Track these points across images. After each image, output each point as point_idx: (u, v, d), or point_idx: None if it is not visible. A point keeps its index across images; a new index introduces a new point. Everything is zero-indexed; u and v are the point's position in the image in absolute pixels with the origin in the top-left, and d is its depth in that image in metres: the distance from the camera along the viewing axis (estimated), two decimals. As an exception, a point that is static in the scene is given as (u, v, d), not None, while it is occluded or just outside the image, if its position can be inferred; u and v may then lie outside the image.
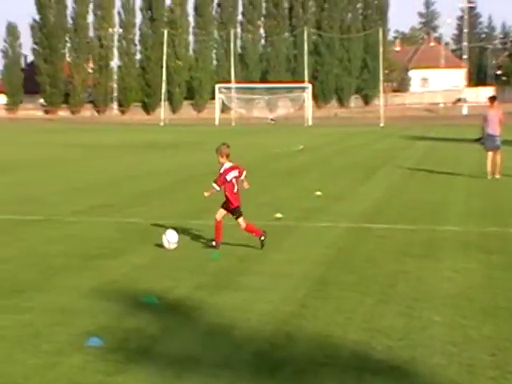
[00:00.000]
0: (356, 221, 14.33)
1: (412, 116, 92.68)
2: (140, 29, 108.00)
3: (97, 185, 21.04)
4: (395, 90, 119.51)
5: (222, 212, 11.77)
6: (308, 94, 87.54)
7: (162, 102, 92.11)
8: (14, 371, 6.19)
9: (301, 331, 7.42)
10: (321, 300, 8.55)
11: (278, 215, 14.70)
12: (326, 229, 13.52)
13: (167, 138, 51.78)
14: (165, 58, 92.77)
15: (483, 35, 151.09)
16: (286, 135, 56.04)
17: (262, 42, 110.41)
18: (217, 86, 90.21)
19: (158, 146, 40.28)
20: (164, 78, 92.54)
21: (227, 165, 11.78)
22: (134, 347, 6.89)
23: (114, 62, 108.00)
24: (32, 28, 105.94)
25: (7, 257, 10.83)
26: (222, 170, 11.76)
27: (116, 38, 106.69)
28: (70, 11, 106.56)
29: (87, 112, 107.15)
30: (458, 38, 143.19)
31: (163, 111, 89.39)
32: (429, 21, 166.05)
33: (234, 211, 11.72)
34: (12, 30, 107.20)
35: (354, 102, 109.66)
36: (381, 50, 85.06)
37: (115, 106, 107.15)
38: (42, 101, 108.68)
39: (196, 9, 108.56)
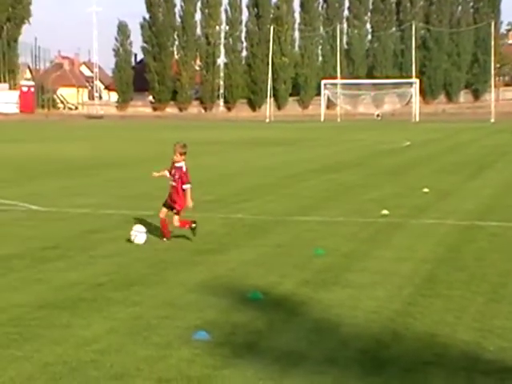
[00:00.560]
0: (465, 218, 14.01)
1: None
2: (246, 26, 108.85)
3: (204, 180, 21.34)
4: (507, 85, 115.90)
5: (164, 211, 11.97)
6: (415, 90, 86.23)
7: (268, 99, 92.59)
8: (126, 362, 6.36)
9: (408, 329, 7.32)
10: (428, 298, 8.41)
11: (385, 212, 14.54)
12: (434, 226, 13.27)
13: (272, 134, 52.04)
14: (271, 54, 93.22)
15: None
16: (392, 131, 55.36)
17: (369, 37, 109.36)
18: (322, 82, 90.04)
19: (263, 143, 40.54)
20: (270, 74, 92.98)
21: (181, 164, 11.79)
22: (241, 342, 6.95)
23: (221, 59, 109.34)
24: (142, 27, 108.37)
25: (120, 251, 11.13)
26: (184, 169, 11.85)
27: (223, 35, 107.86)
28: (178, 9, 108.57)
29: (194, 109, 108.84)
30: None
31: (269, 108, 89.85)
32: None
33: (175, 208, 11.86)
34: (123, 29, 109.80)
35: (464, 97, 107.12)
36: (492, 43, 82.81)
37: (221, 102, 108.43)
38: (150, 98, 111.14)
39: (302, 5, 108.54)
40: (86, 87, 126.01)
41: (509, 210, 14.99)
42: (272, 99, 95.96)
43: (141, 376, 6.06)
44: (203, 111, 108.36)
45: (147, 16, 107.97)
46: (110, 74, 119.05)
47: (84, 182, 21.02)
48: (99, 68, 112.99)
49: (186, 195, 11.90)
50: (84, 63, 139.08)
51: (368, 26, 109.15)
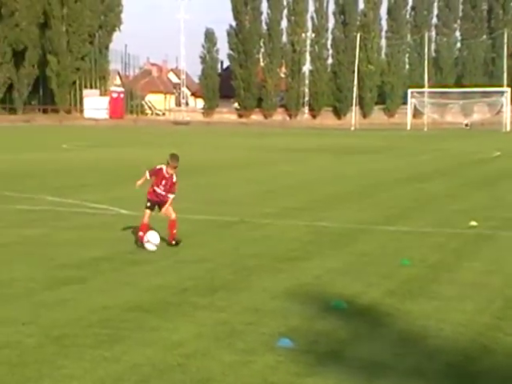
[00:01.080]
0: (557, 232, 13.60)
1: None
2: (332, 33, 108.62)
3: (288, 187, 21.39)
4: None
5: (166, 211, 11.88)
6: (506, 99, 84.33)
7: (354, 107, 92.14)
8: (211, 367, 6.42)
9: (498, 344, 7.15)
10: (519, 313, 8.20)
11: (473, 223, 14.25)
12: (525, 239, 12.93)
13: (358, 142, 51.73)
14: (357, 62, 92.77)
15: None
16: (481, 141, 54.27)
17: (458, 45, 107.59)
18: (409, 91, 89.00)
19: (348, 151, 40.33)
20: (355, 82, 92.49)
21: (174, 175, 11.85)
22: (324, 350, 6.92)
23: (306, 67, 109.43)
24: (228, 34, 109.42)
25: (205, 257, 11.25)
26: (175, 179, 11.85)
27: (308, 42, 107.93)
28: (264, 17, 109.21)
29: (279, 116, 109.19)
30: None
31: (354, 116, 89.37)
32: None
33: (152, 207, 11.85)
34: (210, 37, 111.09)
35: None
36: None
37: (306, 110, 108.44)
38: (236, 105, 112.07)
39: (389, 12, 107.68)
40: (173, 94, 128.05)
41: None
42: (357, 107, 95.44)
43: (226, 381, 6.11)
44: (288, 118, 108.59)
45: (234, 23, 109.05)
46: (196, 80, 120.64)
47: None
48: (186, 75, 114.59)
49: (169, 203, 11.94)
50: (172, 70, 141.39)
51: (457, 33, 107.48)
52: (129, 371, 6.27)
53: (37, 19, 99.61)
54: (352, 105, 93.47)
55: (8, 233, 13.22)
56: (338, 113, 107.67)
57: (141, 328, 7.49)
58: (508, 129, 77.77)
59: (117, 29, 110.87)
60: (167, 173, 11.88)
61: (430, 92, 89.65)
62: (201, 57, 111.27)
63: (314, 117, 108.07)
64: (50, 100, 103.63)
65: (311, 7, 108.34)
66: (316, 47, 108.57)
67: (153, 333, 7.33)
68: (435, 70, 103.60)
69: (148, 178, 11.96)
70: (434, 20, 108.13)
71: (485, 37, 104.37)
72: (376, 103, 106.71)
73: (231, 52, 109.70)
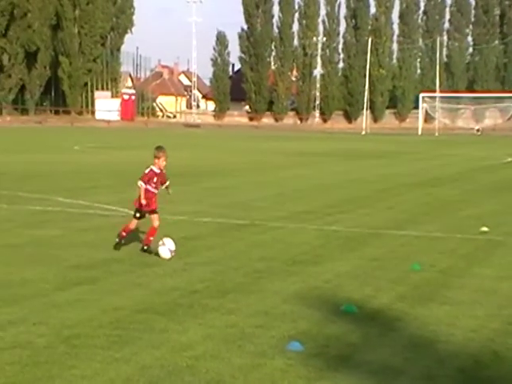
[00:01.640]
0: None
1: None
2: (344, 37, 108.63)
3: (300, 191, 21.39)
4: None
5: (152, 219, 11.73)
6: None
7: (365, 111, 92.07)
8: (221, 369, 6.42)
9: (509, 350, 7.12)
10: (530, 319, 8.17)
11: (484, 229, 14.20)
12: (536, 245, 12.88)
13: (368, 147, 51.67)
14: (368, 66, 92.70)
15: None
16: (493, 147, 54.11)
17: (470, 50, 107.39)
18: (421, 95, 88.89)
19: (359, 155, 40.29)
20: (366, 86, 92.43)
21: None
22: (334, 354, 6.91)
23: (317, 71, 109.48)
24: (240, 37, 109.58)
25: (216, 259, 11.26)
26: (164, 171, 11.88)
27: (320, 46, 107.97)
28: (275, 20, 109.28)
29: (290, 119, 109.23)
30: None
31: (365, 120, 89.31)
32: None
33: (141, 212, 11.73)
34: (221, 39, 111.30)
35: None
36: None
37: (317, 114, 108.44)
38: (247, 108, 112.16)
39: (401, 17, 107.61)
40: (184, 96, 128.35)
41: None
42: (368, 111, 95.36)
43: (235, 384, 6.12)
44: (299, 122, 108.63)
45: (245, 26, 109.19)
46: (207, 83, 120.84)
47: (181, 189, 21.34)
48: (197, 77, 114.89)
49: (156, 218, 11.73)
50: (183, 72, 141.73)
51: (469, 38, 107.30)
52: (138, 372, 6.28)
53: (49, 21, 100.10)
54: (363, 109, 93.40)
55: (20, 233, 13.27)
56: (349, 117, 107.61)
57: (151, 329, 7.50)
58: (520, 134, 77.51)
59: (128, 31, 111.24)
60: (158, 169, 11.88)
61: (441, 97, 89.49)
62: (212, 59, 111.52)
63: (324, 121, 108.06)
64: (61, 101, 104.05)
65: (323, 11, 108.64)
66: (327, 51, 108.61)
67: (162, 334, 7.34)
68: (447, 75, 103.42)
69: (145, 187, 11.83)
70: (446, 25, 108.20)
71: (497, 42, 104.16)
72: (387, 107, 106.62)
73: (242, 55, 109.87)
